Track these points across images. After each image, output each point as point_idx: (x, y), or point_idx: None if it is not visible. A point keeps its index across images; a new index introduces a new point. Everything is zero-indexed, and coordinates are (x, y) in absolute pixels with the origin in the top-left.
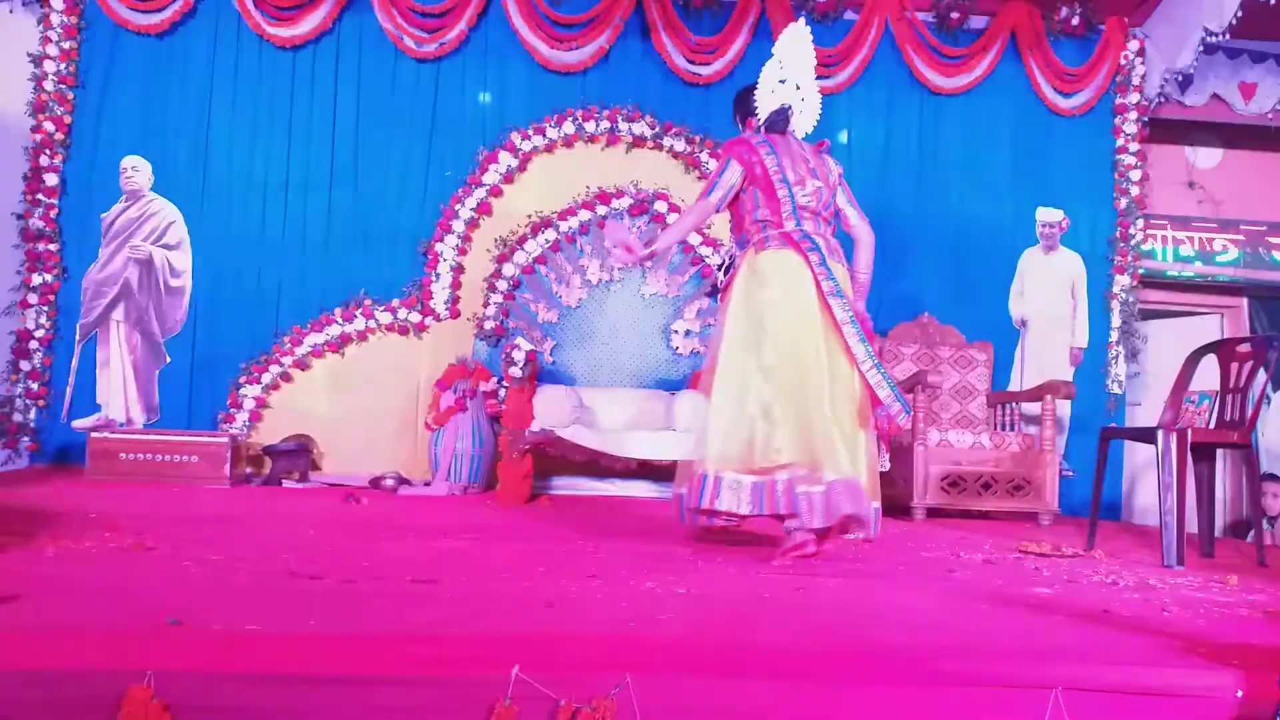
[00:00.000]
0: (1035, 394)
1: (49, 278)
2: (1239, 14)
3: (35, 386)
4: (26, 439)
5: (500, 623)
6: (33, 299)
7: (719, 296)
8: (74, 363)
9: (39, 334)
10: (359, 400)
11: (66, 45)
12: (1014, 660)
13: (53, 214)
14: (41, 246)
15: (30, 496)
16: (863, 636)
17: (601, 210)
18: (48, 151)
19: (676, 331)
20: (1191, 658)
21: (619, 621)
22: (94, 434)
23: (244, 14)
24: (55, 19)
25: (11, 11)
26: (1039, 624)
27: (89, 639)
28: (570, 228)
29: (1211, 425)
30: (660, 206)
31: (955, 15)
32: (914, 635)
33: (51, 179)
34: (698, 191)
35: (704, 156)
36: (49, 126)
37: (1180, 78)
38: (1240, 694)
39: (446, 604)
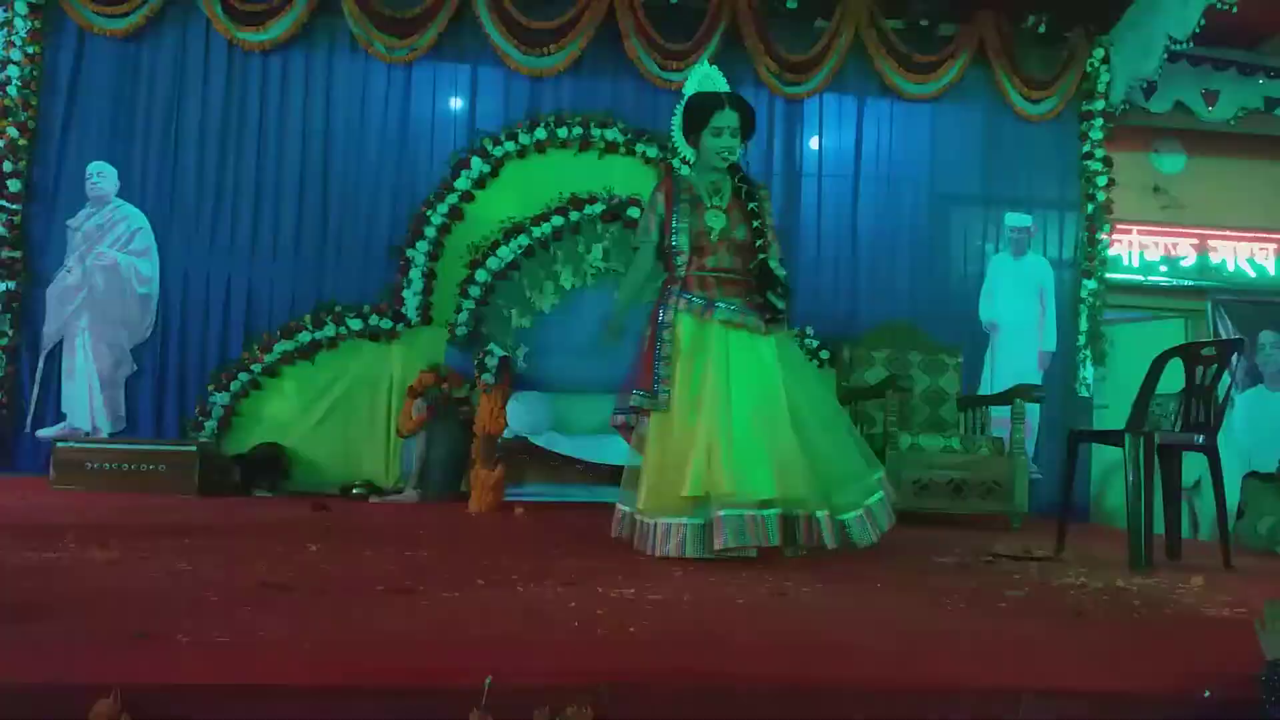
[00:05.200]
0: (1005, 397)
1: (12, 285)
2: (1202, 22)
3: None
4: None
5: (474, 632)
6: None
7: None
8: (38, 371)
9: (2, 343)
10: (330, 408)
11: (31, 50)
12: (989, 662)
13: (16, 220)
14: (5, 253)
15: None
16: (839, 641)
17: (575, 216)
18: (11, 157)
19: None
20: (1160, 658)
21: (594, 630)
22: (59, 443)
23: (212, 19)
24: (19, 23)
25: None
26: (1013, 627)
27: (53, 654)
28: (543, 233)
29: (1177, 428)
30: (633, 212)
31: (924, 23)
32: (891, 639)
33: (15, 185)
34: None
35: (677, 163)
36: (13, 132)
37: (1145, 85)
38: (1207, 694)
39: (419, 614)
